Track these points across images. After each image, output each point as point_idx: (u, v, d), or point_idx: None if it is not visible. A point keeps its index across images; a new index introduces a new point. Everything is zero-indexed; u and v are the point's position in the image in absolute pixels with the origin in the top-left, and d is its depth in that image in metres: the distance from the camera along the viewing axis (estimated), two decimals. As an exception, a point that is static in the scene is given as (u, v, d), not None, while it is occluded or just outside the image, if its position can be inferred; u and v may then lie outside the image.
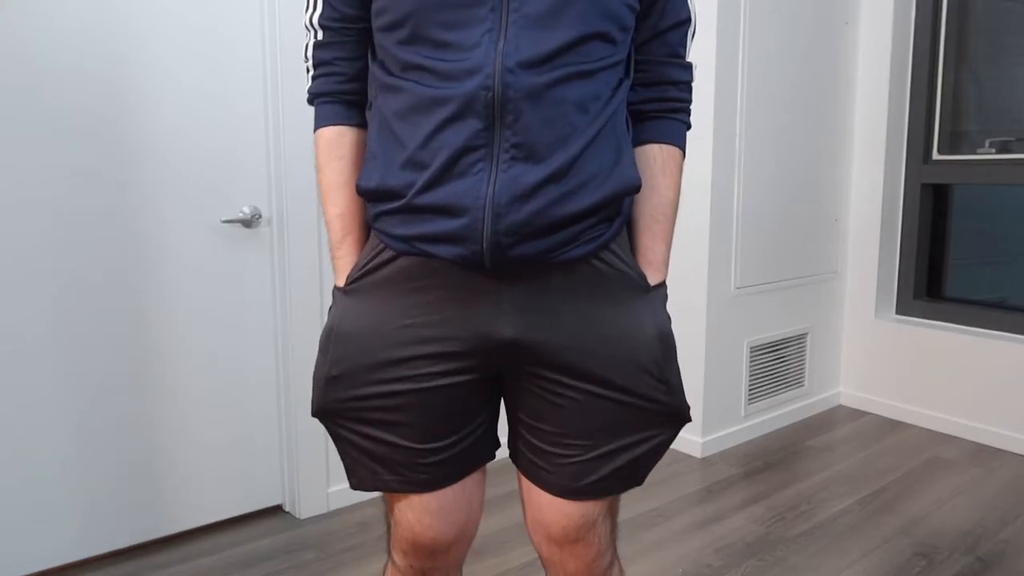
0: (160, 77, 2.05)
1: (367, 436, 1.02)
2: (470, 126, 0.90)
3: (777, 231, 3.04)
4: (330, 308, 1.06)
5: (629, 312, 1.01)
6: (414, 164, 0.94)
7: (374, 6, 0.98)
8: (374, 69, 1.02)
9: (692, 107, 1.14)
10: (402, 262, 0.98)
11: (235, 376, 2.26)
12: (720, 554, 2.15)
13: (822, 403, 3.37)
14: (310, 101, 1.09)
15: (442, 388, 0.99)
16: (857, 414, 3.32)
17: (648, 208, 1.06)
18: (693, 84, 1.13)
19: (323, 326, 2.35)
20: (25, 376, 1.94)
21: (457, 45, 0.91)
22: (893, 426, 3.18)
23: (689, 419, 1.06)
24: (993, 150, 3.02)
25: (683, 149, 1.10)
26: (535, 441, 1.05)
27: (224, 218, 2.19)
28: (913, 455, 2.87)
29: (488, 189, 0.91)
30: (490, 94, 0.89)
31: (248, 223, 2.23)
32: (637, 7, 1.00)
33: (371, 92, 1.03)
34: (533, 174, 0.92)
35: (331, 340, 1.03)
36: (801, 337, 3.23)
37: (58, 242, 1.95)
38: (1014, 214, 3.11)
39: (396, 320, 0.98)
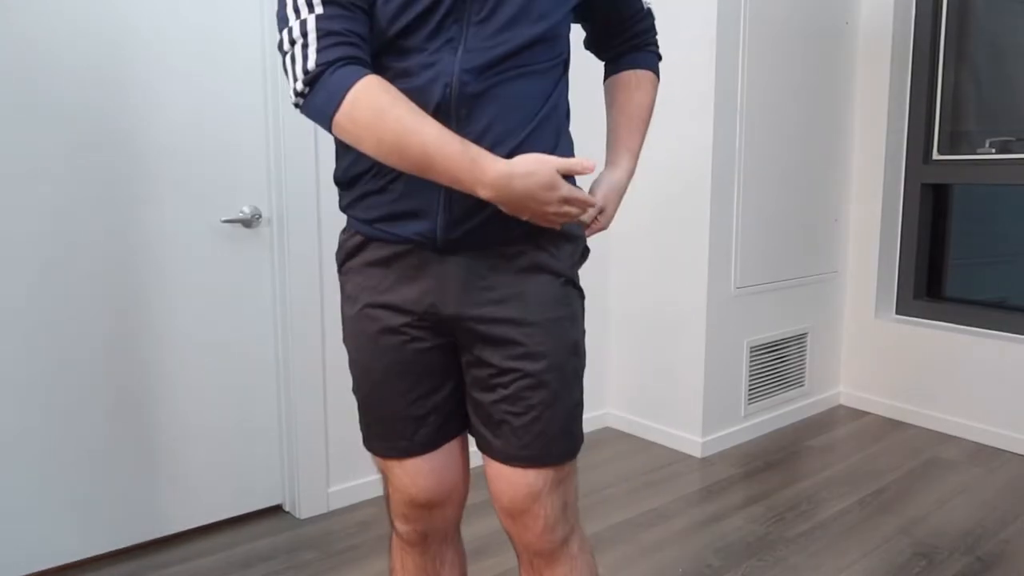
0: (161, 76, 2.05)
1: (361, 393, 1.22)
2: None
3: (777, 231, 3.04)
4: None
5: (551, 289, 1.14)
6: None
7: None
8: None
9: (671, 47, 1.31)
10: (372, 246, 1.14)
11: (235, 377, 2.26)
12: (720, 554, 2.15)
13: (822, 403, 3.37)
14: (316, 75, 0.98)
15: (402, 348, 1.15)
16: (857, 414, 3.32)
17: (626, 112, 1.27)
18: (655, 20, 1.32)
19: (320, 323, 2.35)
20: (25, 376, 1.94)
21: (422, 51, 1.04)
22: (893, 426, 3.18)
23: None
24: (993, 150, 3.02)
25: (654, 71, 1.31)
26: (480, 409, 1.17)
27: (224, 218, 2.19)
28: (913, 455, 2.87)
29: None
30: (448, 91, 1.03)
31: (248, 223, 2.23)
32: (572, 16, 1.18)
33: None
34: None
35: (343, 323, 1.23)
36: (801, 337, 3.23)
37: (57, 242, 1.95)
38: (1014, 214, 3.11)
39: (366, 297, 1.15)
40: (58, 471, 2.00)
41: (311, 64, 0.99)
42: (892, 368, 3.26)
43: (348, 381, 2.41)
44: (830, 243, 3.29)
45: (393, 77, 1.04)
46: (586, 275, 1.24)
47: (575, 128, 1.30)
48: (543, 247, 1.13)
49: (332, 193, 2.30)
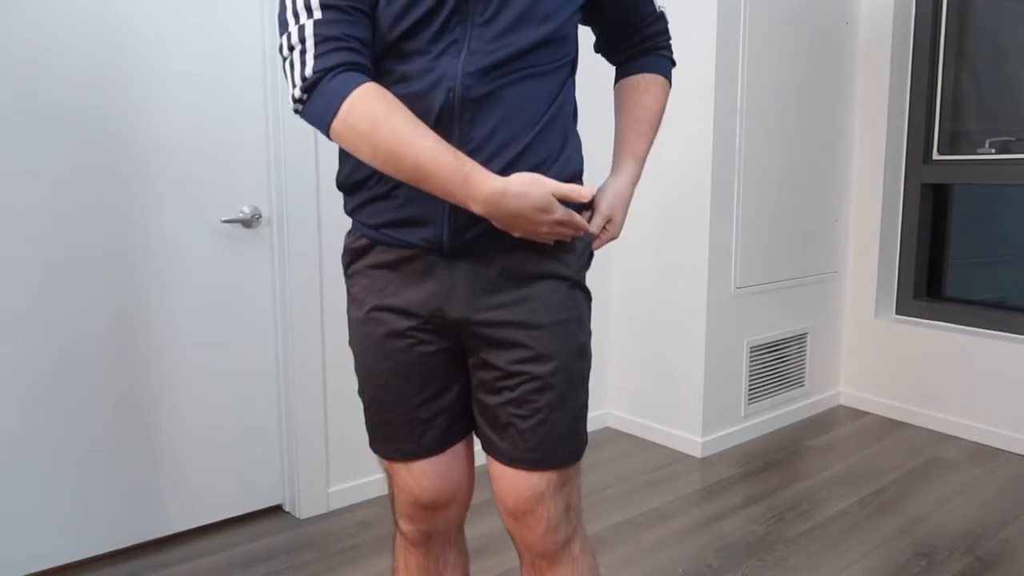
0: (161, 76, 2.05)
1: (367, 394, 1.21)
2: (432, 123, 1.02)
3: (777, 231, 3.04)
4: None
5: (557, 292, 1.14)
6: None
7: None
8: None
9: (673, 48, 1.32)
10: (377, 250, 1.13)
11: (235, 376, 2.26)
12: (720, 554, 2.15)
13: (822, 403, 3.37)
14: (314, 82, 0.98)
15: (409, 351, 1.14)
16: (857, 414, 3.32)
17: (633, 116, 1.24)
18: (668, 25, 1.29)
19: (320, 323, 2.35)
20: (25, 376, 1.94)
21: (425, 53, 1.03)
22: (893, 426, 3.18)
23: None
24: (993, 150, 3.02)
25: (664, 76, 1.28)
26: (486, 412, 1.16)
27: (224, 218, 2.19)
28: (913, 455, 2.87)
29: None
30: (451, 94, 1.02)
31: (248, 223, 2.23)
32: (579, 16, 1.16)
33: None
34: (488, 166, 1.02)
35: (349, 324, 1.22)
36: (801, 337, 3.23)
37: (57, 242, 1.95)
38: (1014, 214, 3.11)
39: (372, 300, 1.15)
40: (58, 471, 2.00)
41: (308, 71, 0.98)
42: (892, 368, 3.26)
43: (348, 381, 2.42)
44: (830, 243, 3.29)
45: (396, 81, 1.04)
46: (586, 275, 1.23)
47: (584, 128, 1.30)
48: (550, 251, 1.13)
49: (332, 193, 2.30)
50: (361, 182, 1.12)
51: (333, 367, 2.38)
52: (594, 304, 3.08)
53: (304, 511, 2.36)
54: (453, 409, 1.19)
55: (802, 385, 3.27)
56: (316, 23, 0.98)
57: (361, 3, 1.01)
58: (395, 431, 1.18)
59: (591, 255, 1.22)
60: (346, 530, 2.29)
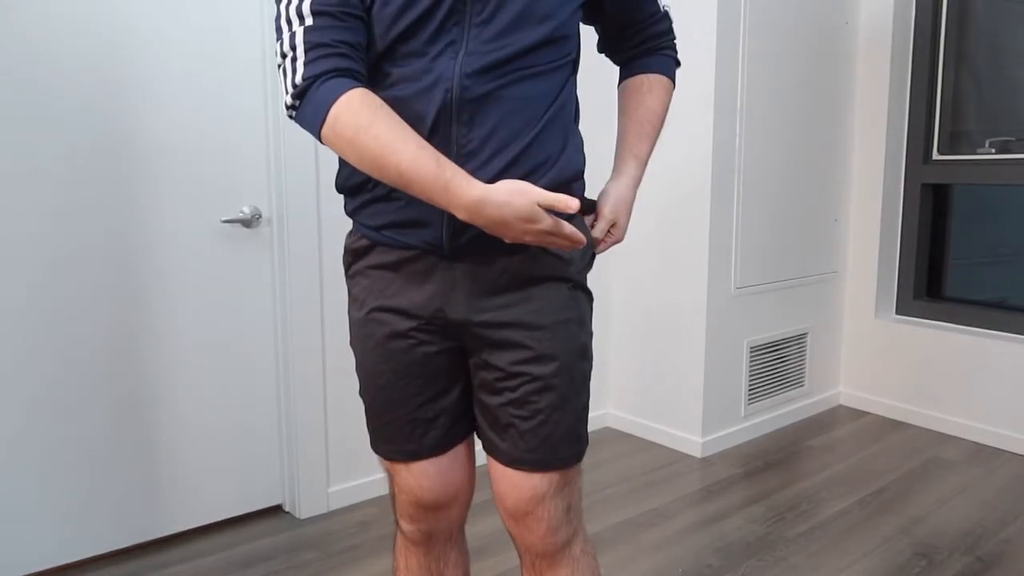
0: (161, 76, 2.05)
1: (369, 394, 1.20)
2: (429, 125, 1.02)
3: (777, 231, 3.04)
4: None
5: (559, 293, 1.13)
6: None
7: None
8: None
9: (679, 49, 1.31)
10: (378, 250, 1.13)
11: (235, 377, 2.26)
12: (720, 554, 2.15)
13: (822, 403, 3.37)
14: (304, 89, 0.99)
15: (410, 352, 1.14)
16: (857, 414, 3.32)
17: (635, 117, 1.23)
18: (672, 24, 1.28)
19: (320, 323, 2.35)
20: (25, 376, 1.94)
21: (423, 54, 1.03)
22: (893, 426, 3.18)
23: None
24: (993, 150, 3.02)
25: (668, 76, 1.26)
26: (487, 412, 1.16)
27: (224, 218, 2.19)
28: (913, 455, 2.87)
29: None
30: (448, 95, 1.02)
31: (248, 223, 2.23)
32: (580, 14, 1.15)
33: None
34: (487, 167, 1.03)
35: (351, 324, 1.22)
36: (801, 337, 3.23)
37: (57, 242, 1.95)
38: (1014, 214, 3.11)
39: (373, 300, 1.14)
40: (58, 471, 2.00)
41: (299, 78, 0.99)
42: (892, 368, 3.26)
43: (348, 381, 2.42)
44: (830, 243, 3.29)
45: (394, 83, 1.04)
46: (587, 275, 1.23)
47: (586, 128, 1.29)
48: (551, 252, 1.12)
49: (332, 193, 2.30)
50: (361, 184, 1.11)
51: (333, 367, 2.38)
52: (594, 304, 3.08)
53: (304, 511, 2.36)
54: (455, 410, 1.18)
55: (802, 385, 3.27)
56: (307, 30, 0.99)
57: (354, 8, 1.01)
58: (396, 432, 1.18)
59: (593, 256, 1.21)
60: (346, 530, 2.29)
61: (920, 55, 3.19)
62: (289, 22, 1.00)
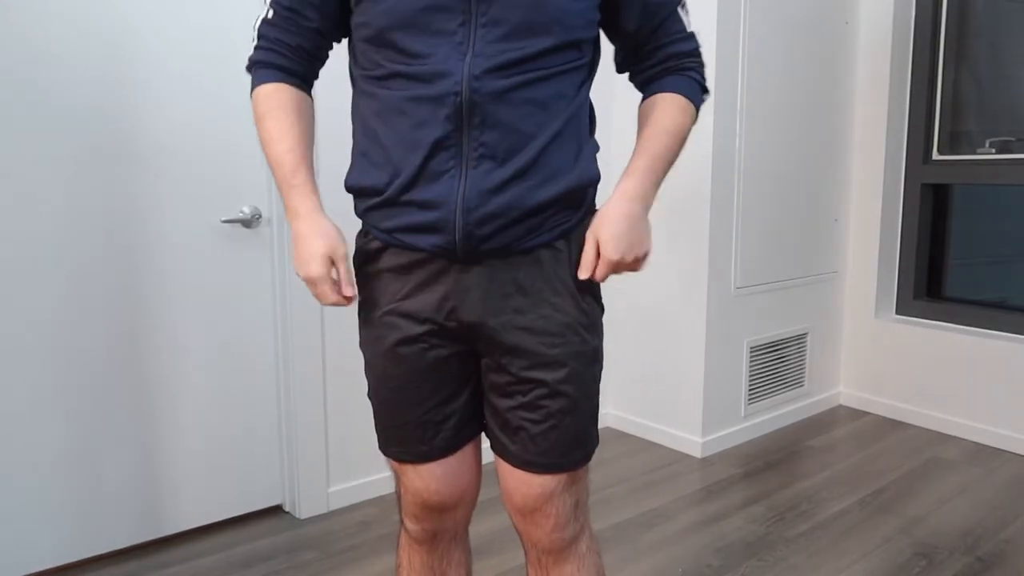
0: (161, 76, 2.05)
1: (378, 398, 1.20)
2: (441, 128, 1.03)
3: (777, 231, 3.04)
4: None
5: (571, 298, 1.13)
6: (393, 163, 1.07)
7: (355, 20, 1.09)
8: (355, 72, 1.14)
9: (704, 72, 1.23)
10: (389, 252, 1.13)
11: (235, 377, 2.26)
12: (720, 554, 2.15)
13: (822, 403, 3.37)
14: (248, 68, 1.16)
15: (422, 356, 1.14)
16: (857, 414, 3.32)
17: (643, 134, 1.18)
18: (699, 49, 1.22)
19: (320, 323, 2.35)
20: (23, 375, 1.93)
21: (429, 55, 1.03)
22: (893, 426, 3.18)
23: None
24: (993, 150, 3.02)
25: (687, 96, 1.18)
26: (497, 415, 1.16)
27: (224, 218, 2.19)
28: (913, 455, 2.87)
29: (459, 186, 1.04)
30: (458, 99, 1.02)
31: (248, 223, 2.23)
32: (598, 17, 1.12)
33: (353, 94, 1.15)
34: (500, 171, 1.04)
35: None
36: (801, 337, 3.23)
37: (56, 242, 1.95)
38: (1014, 214, 3.11)
39: (385, 304, 1.14)
40: (58, 471, 2.00)
41: (248, 57, 1.16)
42: (892, 368, 3.26)
43: (348, 381, 2.42)
44: (830, 243, 3.29)
45: (405, 84, 1.04)
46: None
47: (601, 136, 1.25)
48: (562, 258, 1.12)
49: (332, 193, 2.29)
50: (369, 187, 1.12)
51: (333, 367, 2.38)
52: (594, 304, 3.09)
53: (304, 511, 2.36)
54: (464, 412, 1.18)
55: (802, 385, 3.27)
56: (263, 21, 1.14)
57: (307, 20, 1.12)
58: (407, 434, 1.18)
59: None
60: (346, 530, 2.29)
61: (920, 55, 3.19)
62: (265, 6, 1.14)
